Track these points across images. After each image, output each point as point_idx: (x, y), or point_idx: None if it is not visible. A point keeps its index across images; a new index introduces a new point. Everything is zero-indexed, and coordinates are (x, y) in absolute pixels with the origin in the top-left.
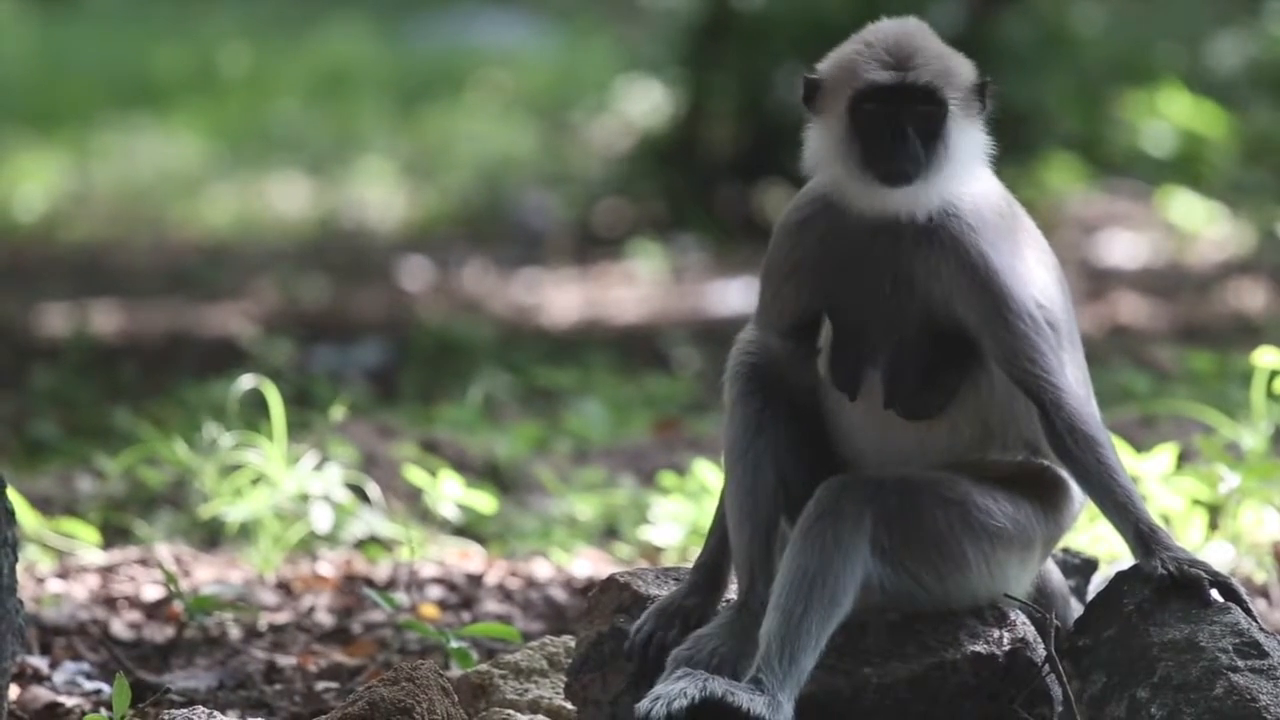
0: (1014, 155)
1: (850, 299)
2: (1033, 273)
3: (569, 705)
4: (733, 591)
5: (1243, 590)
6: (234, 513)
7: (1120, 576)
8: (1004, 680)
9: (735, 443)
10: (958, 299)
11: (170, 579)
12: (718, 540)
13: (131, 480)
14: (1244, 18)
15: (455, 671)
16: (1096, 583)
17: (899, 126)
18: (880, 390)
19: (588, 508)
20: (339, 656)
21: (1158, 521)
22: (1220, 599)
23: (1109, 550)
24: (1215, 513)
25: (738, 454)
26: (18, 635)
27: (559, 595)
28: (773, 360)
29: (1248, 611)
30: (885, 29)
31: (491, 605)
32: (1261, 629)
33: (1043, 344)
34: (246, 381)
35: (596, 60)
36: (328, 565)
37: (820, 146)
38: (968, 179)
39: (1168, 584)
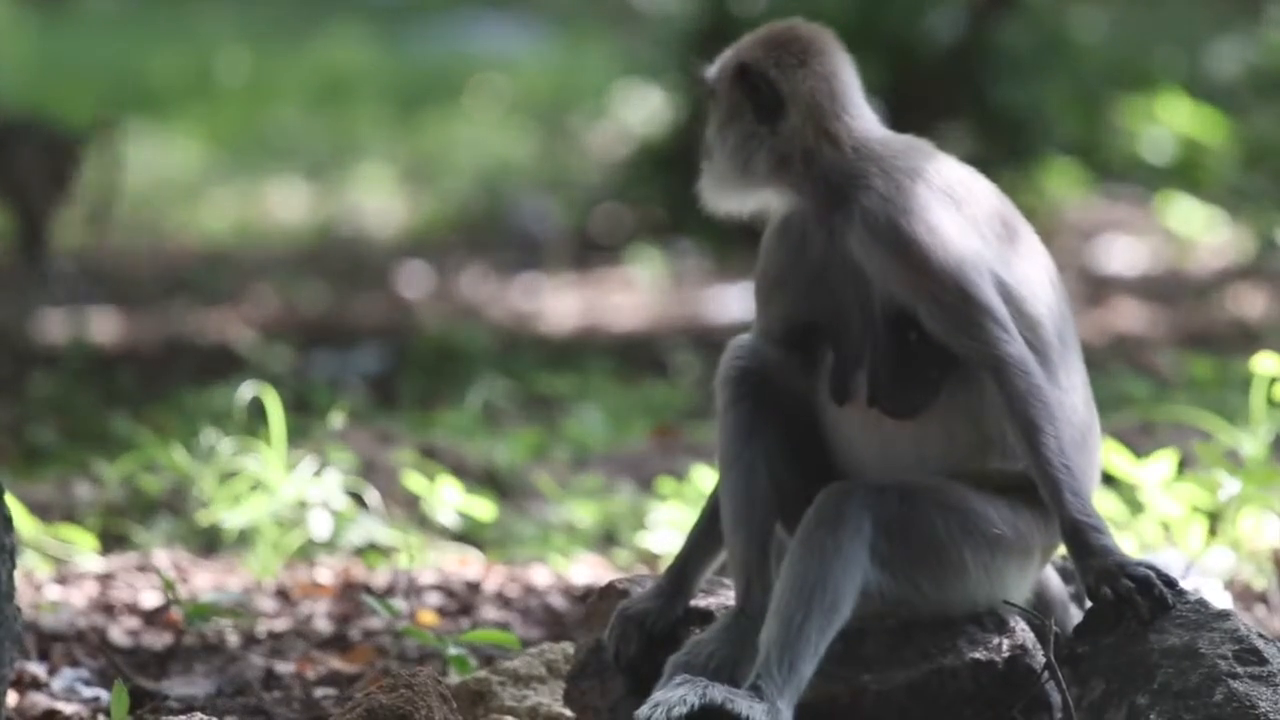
0: (1013, 161)
1: (823, 301)
2: (960, 239)
3: (568, 712)
4: (724, 597)
5: (1177, 587)
6: (233, 519)
7: None
8: (1003, 687)
9: (728, 448)
10: (888, 277)
11: (169, 585)
12: (691, 544)
13: (130, 487)
14: (1244, 23)
15: (454, 678)
16: None
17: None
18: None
19: (586, 514)
20: (337, 663)
21: (1095, 517)
22: (1158, 605)
23: None
24: (1215, 519)
25: (730, 459)
26: (16, 642)
27: (558, 602)
28: (765, 365)
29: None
30: None
31: (490, 612)
32: (1261, 635)
33: (978, 312)
34: (246, 388)
35: (595, 66)
36: (326, 572)
37: None
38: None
39: (1097, 601)
